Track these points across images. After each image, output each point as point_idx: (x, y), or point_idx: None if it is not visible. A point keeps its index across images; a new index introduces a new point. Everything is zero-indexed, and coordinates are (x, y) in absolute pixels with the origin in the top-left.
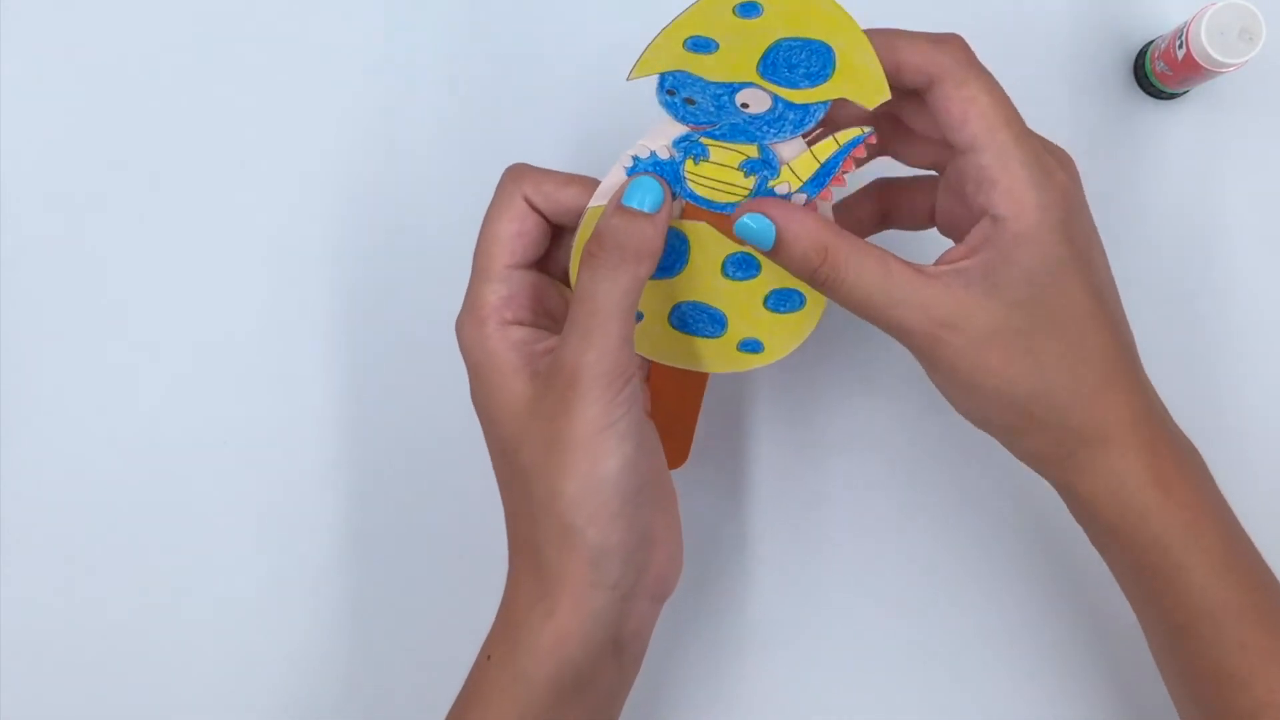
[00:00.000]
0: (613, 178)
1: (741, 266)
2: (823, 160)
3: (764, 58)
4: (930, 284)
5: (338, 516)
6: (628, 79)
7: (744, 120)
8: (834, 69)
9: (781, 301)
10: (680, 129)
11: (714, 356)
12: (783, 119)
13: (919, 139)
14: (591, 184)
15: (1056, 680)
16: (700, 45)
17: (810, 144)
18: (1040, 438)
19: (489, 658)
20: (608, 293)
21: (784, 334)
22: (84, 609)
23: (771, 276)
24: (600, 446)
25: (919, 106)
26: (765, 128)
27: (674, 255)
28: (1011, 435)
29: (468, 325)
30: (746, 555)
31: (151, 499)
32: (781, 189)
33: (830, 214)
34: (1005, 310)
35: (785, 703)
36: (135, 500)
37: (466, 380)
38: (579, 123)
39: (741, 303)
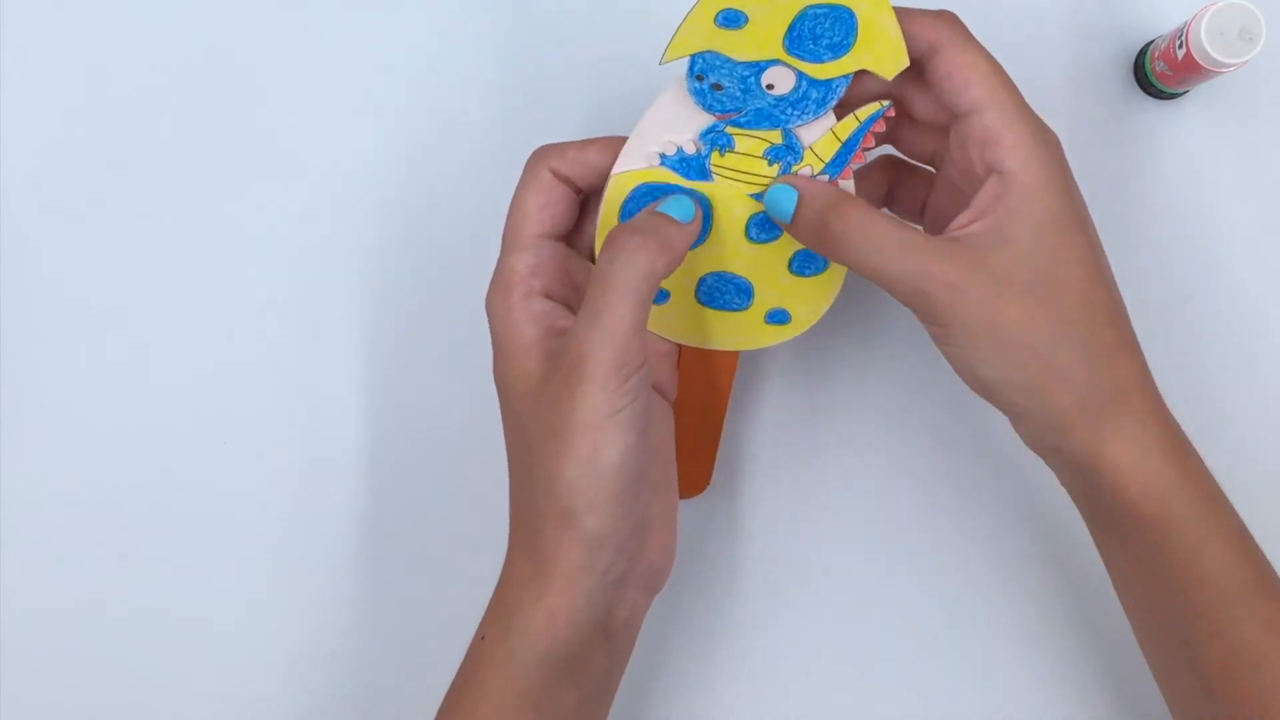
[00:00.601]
0: (632, 151)
1: (765, 227)
2: (844, 139)
3: (790, 30)
4: (943, 244)
5: (352, 513)
6: (661, 63)
7: (769, 104)
8: (855, 38)
9: (806, 263)
10: (695, 110)
11: (742, 331)
12: (806, 99)
13: (920, 127)
14: (612, 143)
15: (1061, 673)
16: (730, 19)
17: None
18: (1065, 396)
19: (483, 638)
20: (623, 275)
21: (810, 299)
22: (93, 608)
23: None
24: (602, 433)
25: (919, 87)
26: (789, 110)
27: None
28: (1033, 398)
29: (495, 295)
30: (738, 545)
31: (157, 499)
32: (805, 173)
33: (852, 190)
34: (1018, 262)
35: (779, 686)
36: (139, 500)
37: (478, 376)
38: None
39: (767, 267)
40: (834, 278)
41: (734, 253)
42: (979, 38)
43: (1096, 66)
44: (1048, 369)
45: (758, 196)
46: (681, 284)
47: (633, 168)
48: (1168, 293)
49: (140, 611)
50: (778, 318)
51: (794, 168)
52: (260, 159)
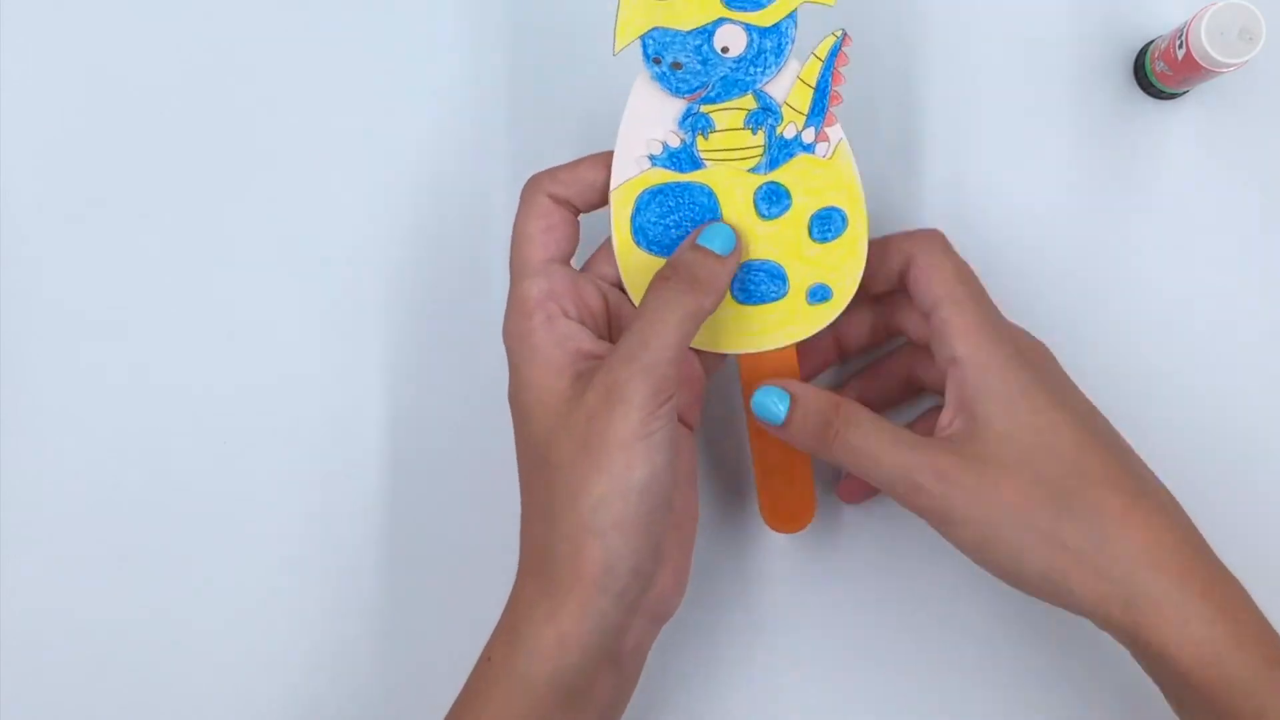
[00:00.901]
0: (622, 159)
1: (773, 200)
2: (814, 83)
3: None
4: (932, 440)
5: (361, 521)
6: (614, 53)
7: (730, 68)
8: None
9: (825, 227)
10: (665, 99)
11: (790, 320)
12: (762, 52)
13: (924, 352)
14: (601, 157)
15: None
16: None
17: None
18: (1083, 575)
19: (489, 659)
20: (671, 311)
21: (842, 265)
22: (99, 611)
23: (806, 200)
24: (635, 453)
25: (908, 303)
26: (750, 68)
27: (707, 214)
28: (1052, 582)
29: (513, 321)
30: (748, 568)
31: (160, 501)
32: (789, 132)
33: (847, 145)
34: (1000, 444)
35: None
36: (142, 502)
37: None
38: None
39: (790, 243)
40: (856, 236)
41: (751, 235)
42: (979, 37)
43: (1096, 66)
44: (1057, 550)
45: (757, 170)
46: None
47: (629, 177)
48: (1167, 292)
49: (145, 614)
50: (819, 295)
51: (778, 130)
52: (266, 163)
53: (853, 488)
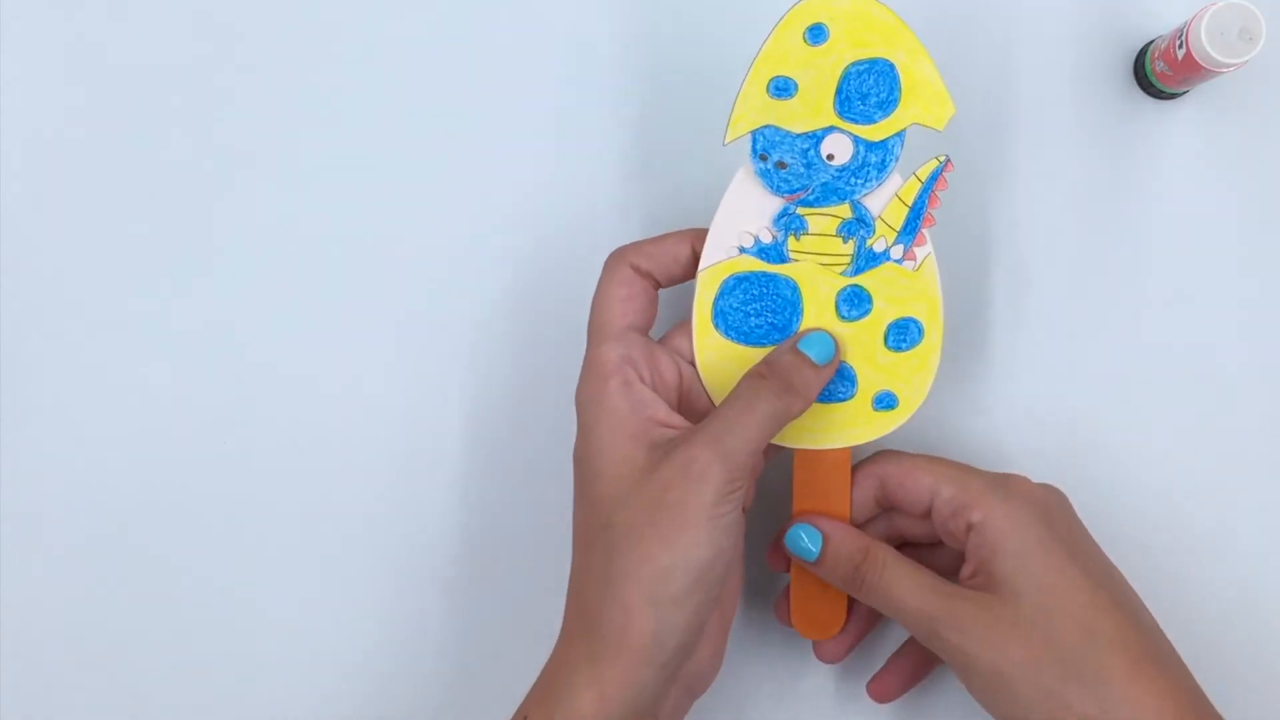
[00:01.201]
0: (714, 244)
1: (854, 302)
2: (910, 202)
3: (838, 93)
4: (955, 589)
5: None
6: (725, 143)
7: (833, 176)
8: (900, 91)
9: (901, 336)
10: (764, 195)
11: (852, 422)
12: (866, 165)
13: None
14: (685, 235)
15: None
16: (781, 88)
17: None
18: None
19: (525, 717)
20: (761, 406)
21: (912, 376)
22: (100, 608)
23: (886, 307)
24: (704, 532)
25: (897, 518)
26: (852, 179)
27: (789, 308)
28: None
29: (587, 383)
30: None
31: (166, 502)
32: (879, 245)
33: (934, 260)
34: (1015, 602)
35: None
36: (146, 503)
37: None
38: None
39: (864, 347)
40: (930, 349)
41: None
42: (980, 38)
43: (1096, 66)
44: (1062, 710)
45: (845, 271)
46: None
47: (718, 260)
48: (1167, 292)
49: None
50: (885, 402)
51: (868, 242)
52: (276, 162)
53: (883, 688)
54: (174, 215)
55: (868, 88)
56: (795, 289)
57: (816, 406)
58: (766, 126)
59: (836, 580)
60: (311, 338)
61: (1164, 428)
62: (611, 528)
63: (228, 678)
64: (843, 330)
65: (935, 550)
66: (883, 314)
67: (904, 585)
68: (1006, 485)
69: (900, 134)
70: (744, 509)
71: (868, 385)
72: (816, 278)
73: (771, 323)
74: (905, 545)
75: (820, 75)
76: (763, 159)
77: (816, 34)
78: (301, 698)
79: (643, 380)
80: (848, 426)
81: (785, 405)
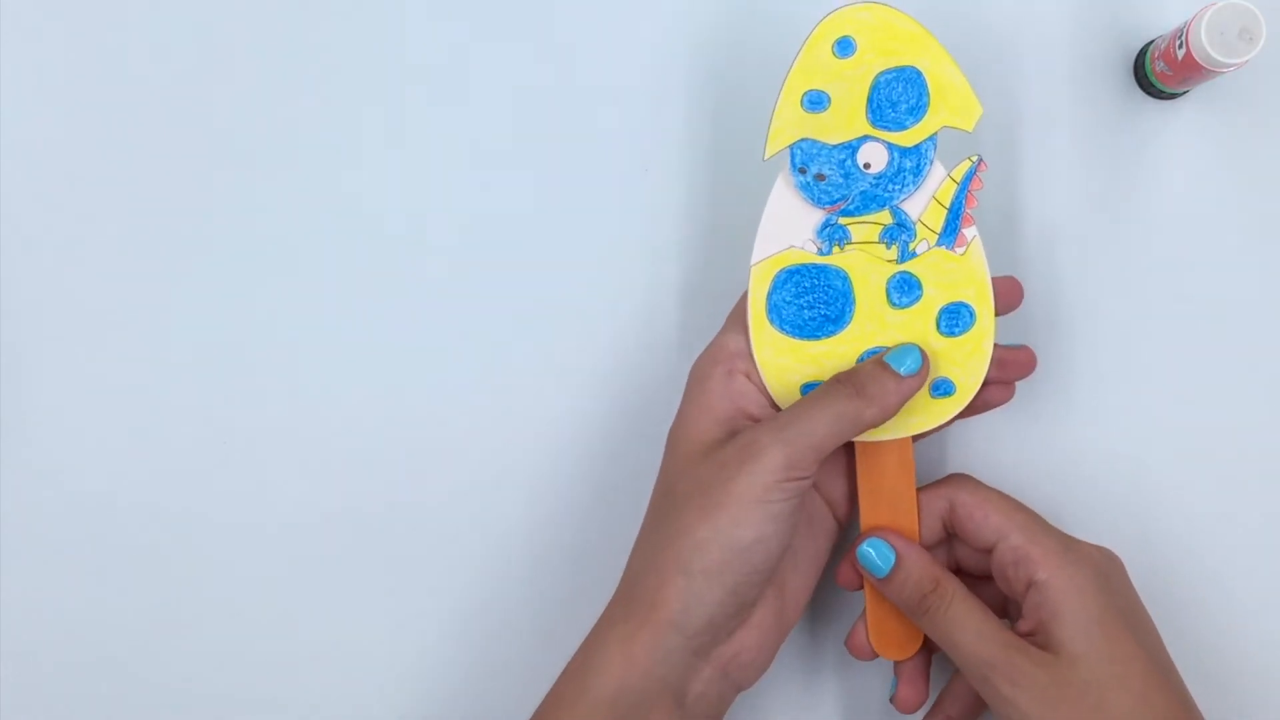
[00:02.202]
0: (763, 239)
1: (905, 289)
2: (948, 204)
3: (870, 101)
4: (1015, 640)
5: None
6: (764, 158)
7: (870, 184)
8: (928, 96)
9: (953, 321)
10: (805, 206)
11: (913, 411)
12: (901, 171)
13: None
14: None
15: None
16: (815, 102)
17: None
18: None
19: (566, 672)
20: (831, 405)
21: (967, 361)
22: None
23: (937, 293)
24: (747, 513)
25: (956, 544)
26: (889, 185)
27: (842, 299)
28: None
29: (704, 362)
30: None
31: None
32: (922, 248)
33: (980, 247)
34: (1072, 667)
35: None
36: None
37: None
38: None
39: (917, 334)
40: (983, 333)
41: (881, 323)
42: (980, 39)
43: (1096, 66)
44: None
45: (899, 259)
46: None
47: (767, 254)
48: (1167, 293)
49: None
50: (942, 389)
51: (910, 245)
52: (260, 158)
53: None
54: (174, 215)
55: (897, 95)
56: (846, 279)
57: None
58: (803, 140)
59: (901, 602)
60: (314, 338)
61: (1161, 417)
62: (671, 497)
63: (228, 678)
64: (895, 318)
65: (984, 584)
66: (933, 300)
67: (968, 626)
68: (1073, 550)
69: (932, 138)
70: (841, 520)
71: None
72: (867, 267)
73: (825, 314)
74: (957, 572)
75: (852, 85)
76: (802, 172)
77: (844, 47)
78: (302, 698)
79: (749, 376)
80: (908, 415)
81: (856, 408)
